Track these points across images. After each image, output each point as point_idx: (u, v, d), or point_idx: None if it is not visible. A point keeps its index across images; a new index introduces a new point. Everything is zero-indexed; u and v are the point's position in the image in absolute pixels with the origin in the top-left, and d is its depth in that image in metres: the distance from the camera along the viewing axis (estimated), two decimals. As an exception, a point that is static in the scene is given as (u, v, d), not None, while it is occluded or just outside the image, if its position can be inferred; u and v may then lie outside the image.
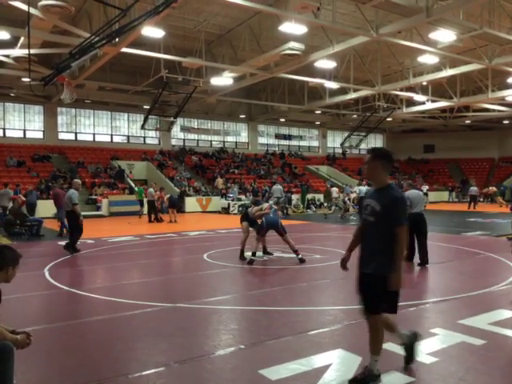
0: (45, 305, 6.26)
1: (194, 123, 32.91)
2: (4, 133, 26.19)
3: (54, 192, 14.67)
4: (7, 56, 18.12)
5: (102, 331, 4.81)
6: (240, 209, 22.10)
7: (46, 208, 18.75)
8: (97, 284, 7.56)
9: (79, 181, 11.30)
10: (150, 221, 18.64)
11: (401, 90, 25.83)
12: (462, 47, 18.81)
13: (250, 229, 9.15)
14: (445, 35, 16.26)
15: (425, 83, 25.04)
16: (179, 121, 29.00)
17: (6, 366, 2.88)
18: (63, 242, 12.05)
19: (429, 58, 19.69)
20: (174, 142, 32.02)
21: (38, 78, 16.41)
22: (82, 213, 10.93)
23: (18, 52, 17.35)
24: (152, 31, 15.54)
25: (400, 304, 5.63)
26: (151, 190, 19.37)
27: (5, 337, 2.88)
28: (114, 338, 4.56)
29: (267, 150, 35.61)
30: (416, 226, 8.21)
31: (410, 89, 26.23)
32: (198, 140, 33.28)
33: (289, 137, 37.60)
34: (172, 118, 25.04)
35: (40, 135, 27.35)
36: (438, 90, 26.93)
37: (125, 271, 8.46)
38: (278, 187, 21.99)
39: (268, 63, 19.96)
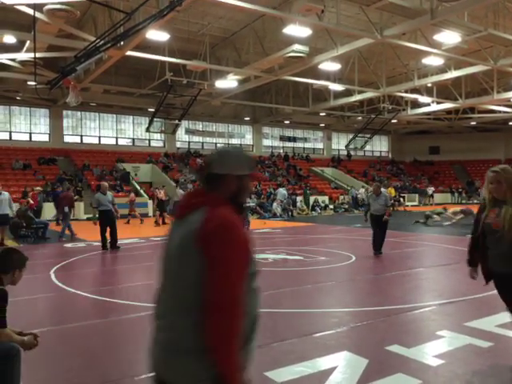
0: (51, 307, 6.28)
1: (199, 126, 32.95)
2: (10, 136, 26.33)
3: (65, 195, 14.70)
4: (13, 60, 18.25)
5: (108, 333, 4.82)
6: None
7: (51, 211, 18.83)
8: (102, 286, 7.57)
9: (106, 183, 12.21)
10: (156, 222, 18.59)
11: (405, 91, 25.78)
12: (466, 49, 18.78)
13: None
14: (449, 37, 16.23)
15: (430, 85, 24.98)
16: (184, 123, 29.08)
17: (12, 368, 2.90)
18: (69, 244, 12.15)
19: (433, 60, 19.65)
20: (178, 144, 32.07)
21: (44, 81, 16.51)
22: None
23: (23, 56, 17.46)
24: (157, 34, 15.60)
25: (406, 306, 5.66)
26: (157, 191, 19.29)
27: (11, 338, 2.90)
28: (120, 340, 4.57)
29: (272, 153, 35.61)
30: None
31: (414, 90, 26.17)
32: (202, 143, 33.30)
33: (293, 139, 37.55)
34: (177, 121, 25.14)
35: (46, 138, 27.49)
36: (443, 91, 26.85)
37: (131, 273, 8.48)
38: (282, 191, 21.90)
39: (272, 66, 19.97)
